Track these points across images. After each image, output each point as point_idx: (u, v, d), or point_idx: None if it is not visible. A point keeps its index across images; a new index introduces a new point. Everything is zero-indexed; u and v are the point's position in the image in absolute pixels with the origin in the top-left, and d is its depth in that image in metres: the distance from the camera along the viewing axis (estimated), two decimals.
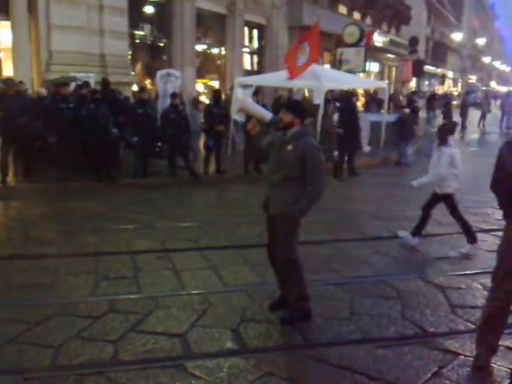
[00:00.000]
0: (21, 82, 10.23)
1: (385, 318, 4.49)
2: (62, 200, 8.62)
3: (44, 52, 12.49)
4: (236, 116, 10.96)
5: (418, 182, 6.39)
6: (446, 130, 6.29)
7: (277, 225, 4.32)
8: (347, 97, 12.70)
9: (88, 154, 9.64)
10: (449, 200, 6.24)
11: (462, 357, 3.86)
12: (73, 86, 10.54)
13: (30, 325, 4.18)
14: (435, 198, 6.35)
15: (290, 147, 4.19)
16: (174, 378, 3.51)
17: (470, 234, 6.29)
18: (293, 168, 4.17)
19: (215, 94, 11.35)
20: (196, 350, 3.91)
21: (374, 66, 31.28)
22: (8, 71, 12.56)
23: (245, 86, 12.31)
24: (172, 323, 4.28)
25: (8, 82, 9.64)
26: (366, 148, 13.63)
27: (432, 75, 48.72)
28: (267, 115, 4.71)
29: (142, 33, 15.96)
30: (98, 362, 3.70)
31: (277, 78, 12.50)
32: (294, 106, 4.51)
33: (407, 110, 14.02)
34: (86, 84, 10.17)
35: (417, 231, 6.51)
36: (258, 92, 11.63)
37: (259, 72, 18.94)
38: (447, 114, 19.30)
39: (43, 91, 10.99)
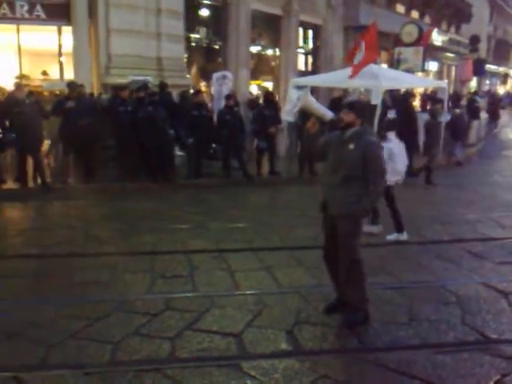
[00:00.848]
0: (81, 85, 10.57)
1: (444, 324, 4.35)
2: (120, 200, 8.85)
3: (103, 56, 12.85)
4: (286, 116, 10.90)
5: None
6: (385, 127, 6.85)
7: (337, 226, 4.23)
8: (405, 97, 12.41)
9: (145, 156, 9.86)
10: (386, 192, 6.41)
11: None
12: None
13: (90, 321, 4.29)
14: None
15: (351, 146, 4.13)
16: (230, 377, 3.51)
17: (400, 224, 6.70)
18: (354, 167, 4.11)
19: (267, 96, 11.35)
20: (251, 350, 3.90)
21: (432, 65, 30.43)
22: (69, 75, 13.02)
23: (299, 87, 12.24)
24: (227, 323, 4.29)
25: (71, 84, 9.99)
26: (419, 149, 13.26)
27: (494, 74, 46.97)
28: (328, 114, 4.63)
29: (197, 36, 16.14)
30: (155, 358, 3.75)
31: (331, 79, 12.35)
32: (356, 106, 4.42)
33: (458, 111, 13.55)
34: (145, 87, 10.38)
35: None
36: (311, 93, 11.51)
37: (314, 73, 18.78)
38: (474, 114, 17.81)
39: (104, 98, 11.31)
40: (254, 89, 18.00)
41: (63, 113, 9.30)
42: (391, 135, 6.62)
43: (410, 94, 13.17)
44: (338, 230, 4.23)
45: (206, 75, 15.65)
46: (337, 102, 12.44)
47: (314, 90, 11.87)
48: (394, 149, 6.44)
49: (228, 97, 10.61)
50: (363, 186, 4.11)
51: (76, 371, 3.55)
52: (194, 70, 16.56)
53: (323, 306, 4.55)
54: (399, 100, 12.55)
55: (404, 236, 6.70)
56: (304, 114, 8.78)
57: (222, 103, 10.93)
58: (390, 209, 6.78)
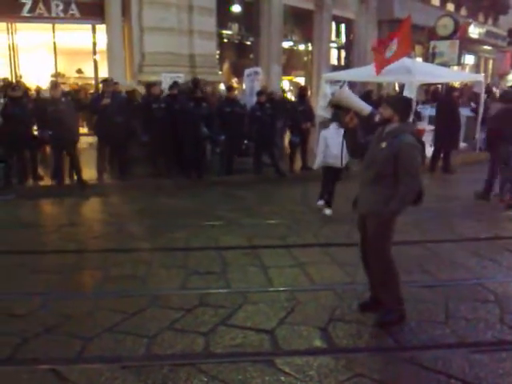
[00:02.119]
0: (116, 83, 10.71)
1: (482, 323, 4.26)
2: (154, 197, 8.95)
3: (137, 53, 13.02)
4: (322, 112, 10.82)
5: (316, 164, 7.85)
6: (332, 117, 7.71)
7: (367, 224, 4.17)
8: (447, 91, 12.16)
9: (178, 153, 9.94)
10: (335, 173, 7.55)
11: None
12: (164, 85, 10.90)
13: (127, 315, 4.35)
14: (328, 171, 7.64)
15: (383, 144, 4.02)
16: (264, 373, 3.51)
17: (330, 199, 7.71)
18: (385, 166, 3.98)
19: (300, 91, 11.28)
20: (285, 346, 3.89)
21: (469, 59, 29.76)
22: (103, 73, 13.23)
23: (332, 82, 12.15)
24: (260, 319, 4.29)
25: (107, 81, 10.14)
26: (462, 145, 13.00)
27: None
28: (366, 108, 4.47)
29: (229, 32, 16.19)
30: (190, 353, 3.78)
31: (365, 73, 12.19)
32: (395, 101, 4.27)
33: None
34: (177, 84, 10.45)
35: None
36: (350, 87, 11.29)
37: (347, 67, 18.62)
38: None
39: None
40: (285, 84, 17.95)
41: (99, 110, 9.43)
42: (334, 125, 7.44)
43: (453, 89, 12.86)
44: (367, 229, 4.17)
45: (237, 71, 15.68)
46: (368, 96, 12.29)
47: (352, 85, 11.70)
48: (328, 137, 7.44)
49: (259, 93, 10.58)
50: (393, 187, 3.97)
51: (113, 365, 3.61)
52: (225, 66, 16.60)
53: (357, 303, 4.51)
54: (441, 95, 12.31)
55: (328, 211, 7.65)
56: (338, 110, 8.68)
57: (254, 99, 10.91)
58: (331, 186, 7.71)
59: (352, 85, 11.65)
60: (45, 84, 12.23)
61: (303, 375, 3.48)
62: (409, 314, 4.29)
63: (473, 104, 13.79)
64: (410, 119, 9.97)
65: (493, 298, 4.76)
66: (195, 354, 3.77)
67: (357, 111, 4.34)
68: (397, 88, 16.52)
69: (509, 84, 26.14)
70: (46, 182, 9.51)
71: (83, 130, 11.90)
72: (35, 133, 9.43)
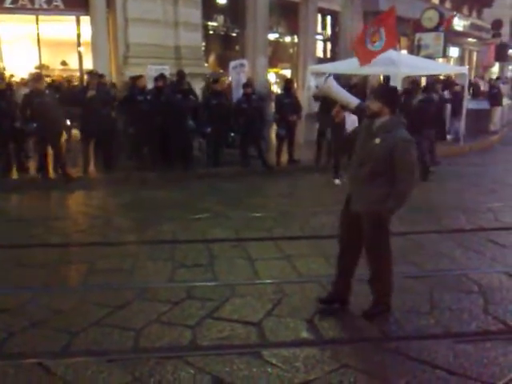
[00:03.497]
0: (102, 75, 10.61)
1: (466, 313, 4.32)
2: (140, 189, 8.91)
3: (121, 45, 12.89)
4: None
5: None
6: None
7: (362, 223, 4.04)
8: (431, 84, 12.23)
9: (164, 145, 9.89)
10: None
11: None
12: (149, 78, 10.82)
13: (113, 308, 4.34)
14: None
15: (377, 140, 3.87)
16: (251, 365, 3.53)
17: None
18: (381, 163, 3.85)
19: (286, 84, 11.27)
20: (272, 338, 3.92)
21: (453, 51, 29.94)
22: (88, 65, 13.10)
23: (318, 74, 12.16)
24: (247, 311, 4.31)
25: (92, 73, 10.05)
26: (447, 137, 13.12)
27: None
28: (353, 101, 4.38)
29: (215, 24, 16.11)
30: (177, 346, 3.79)
31: (350, 65, 12.23)
32: (383, 93, 4.07)
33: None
34: (162, 76, 10.37)
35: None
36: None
37: (333, 59, 18.62)
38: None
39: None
40: (271, 77, 17.92)
41: (84, 102, 9.34)
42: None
43: (435, 81, 12.93)
44: (364, 229, 4.04)
45: (223, 63, 15.62)
46: (354, 89, 12.31)
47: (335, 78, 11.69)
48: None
49: (245, 85, 10.56)
50: (390, 185, 3.86)
51: (99, 358, 3.60)
52: (211, 58, 16.53)
53: (318, 297, 4.48)
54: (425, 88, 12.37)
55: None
56: (325, 103, 8.70)
57: (240, 92, 10.89)
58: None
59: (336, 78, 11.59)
60: (28, 76, 12.09)
61: (290, 366, 3.51)
62: (394, 305, 4.33)
63: (446, 93, 13.79)
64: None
65: (477, 288, 4.82)
66: (182, 347, 3.77)
67: (343, 104, 4.28)
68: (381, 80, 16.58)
69: (493, 76, 26.38)
70: (31, 175, 9.42)
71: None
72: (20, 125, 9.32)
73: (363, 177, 3.97)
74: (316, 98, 11.00)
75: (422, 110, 9.74)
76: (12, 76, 12.35)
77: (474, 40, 32.84)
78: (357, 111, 4.37)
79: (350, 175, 4.18)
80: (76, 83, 13.37)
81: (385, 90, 4.26)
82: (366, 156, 3.94)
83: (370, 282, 4.26)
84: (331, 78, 5.46)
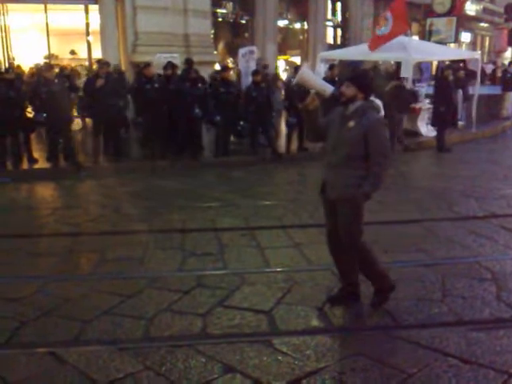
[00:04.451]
0: (108, 63, 10.58)
1: (479, 301, 4.28)
2: (149, 178, 8.91)
3: (130, 34, 12.85)
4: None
5: None
6: None
7: (338, 210, 3.96)
8: (442, 70, 12.07)
9: (173, 134, 9.86)
10: None
11: None
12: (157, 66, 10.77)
13: (124, 297, 4.35)
14: None
15: (351, 123, 3.83)
16: (261, 353, 3.52)
17: None
18: (355, 147, 3.81)
19: (296, 71, 11.15)
20: (282, 327, 3.91)
21: (465, 36, 29.53)
22: (97, 53, 13.08)
23: (329, 61, 12.03)
24: (258, 300, 4.30)
25: (101, 62, 10.02)
26: (459, 123, 12.97)
27: None
28: (328, 88, 4.27)
29: (224, 11, 16.01)
30: (187, 334, 3.79)
31: (360, 51, 12.12)
32: (358, 78, 4.01)
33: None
34: (172, 65, 10.32)
35: None
36: (333, 67, 11.07)
37: (343, 46, 18.46)
38: None
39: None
40: (281, 64, 17.80)
41: (94, 91, 9.32)
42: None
43: (447, 67, 12.71)
44: (338, 216, 3.97)
45: (232, 51, 15.54)
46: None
47: (336, 65, 11.53)
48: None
49: (255, 72, 10.47)
50: (364, 168, 3.83)
51: (110, 347, 3.62)
52: (220, 45, 16.45)
53: (326, 296, 4.36)
54: (437, 73, 12.25)
55: None
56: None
57: (249, 79, 10.81)
58: None
59: (335, 65, 11.36)
60: (38, 65, 12.10)
61: (301, 355, 3.50)
62: (406, 293, 4.31)
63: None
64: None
65: (489, 275, 4.77)
66: (193, 336, 3.78)
67: (319, 92, 4.18)
68: (393, 66, 16.40)
69: (506, 61, 26.00)
70: (41, 164, 9.45)
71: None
72: (29, 115, 9.35)
73: (337, 162, 3.93)
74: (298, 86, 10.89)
75: (394, 95, 10.27)
76: (19, 67, 12.35)
77: (487, 25, 32.39)
78: (332, 98, 4.24)
79: (325, 162, 4.09)
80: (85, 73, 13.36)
81: (360, 76, 4.22)
82: (340, 141, 3.90)
83: (362, 273, 4.17)
84: (305, 66, 5.34)
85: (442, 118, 11.02)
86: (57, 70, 10.89)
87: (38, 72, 10.43)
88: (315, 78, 4.49)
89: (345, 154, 3.86)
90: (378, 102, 4.79)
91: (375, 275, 4.13)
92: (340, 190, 3.92)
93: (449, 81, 11.24)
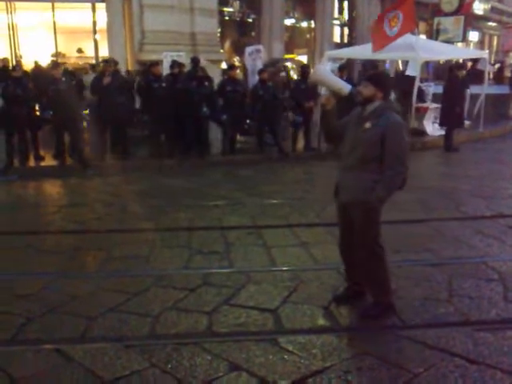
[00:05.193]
0: (116, 62, 10.61)
1: (485, 301, 4.25)
2: (156, 176, 8.93)
3: (137, 32, 12.89)
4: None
5: None
6: None
7: (351, 214, 3.87)
8: (450, 69, 12.01)
9: (180, 132, 9.87)
10: None
11: None
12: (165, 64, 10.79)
13: (130, 295, 4.35)
14: None
15: (368, 125, 3.70)
16: (267, 351, 3.51)
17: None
18: (371, 149, 3.67)
19: (303, 70, 11.15)
20: (288, 325, 3.90)
21: (473, 35, 29.39)
22: (104, 52, 13.11)
23: (335, 60, 12.01)
24: (264, 298, 4.29)
25: (108, 61, 10.05)
26: (466, 123, 12.90)
27: None
28: (345, 87, 4.13)
29: (230, 9, 16.01)
30: (193, 332, 3.79)
31: (368, 50, 12.06)
32: (376, 77, 3.87)
33: None
34: (178, 64, 10.33)
35: None
36: (343, 67, 10.92)
37: (350, 45, 18.42)
38: None
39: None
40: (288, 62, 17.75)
41: (100, 90, 9.34)
42: None
43: (456, 66, 12.63)
44: (353, 219, 3.87)
45: (239, 50, 15.53)
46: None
47: (351, 63, 11.55)
48: None
49: (261, 71, 10.47)
50: (379, 172, 3.68)
51: (116, 344, 3.62)
52: (227, 44, 16.45)
53: (332, 295, 4.33)
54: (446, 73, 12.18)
55: None
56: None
57: (256, 78, 10.80)
58: None
59: (345, 65, 11.33)
60: (45, 64, 12.15)
61: (307, 353, 3.49)
62: (413, 293, 4.30)
63: None
64: (414, 98, 9.88)
65: (496, 276, 4.74)
66: (199, 333, 3.78)
67: (335, 91, 4.08)
68: (400, 65, 16.35)
69: None
70: (48, 162, 9.48)
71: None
72: (36, 113, 9.38)
73: (352, 164, 3.82)
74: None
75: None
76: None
77: (495, 24, 32.21)
78: (350, 98, 4.09)
79: (340, 165, 3.99)
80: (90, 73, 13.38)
81: (379, 75, 4.08)
82: (356, 142, 3.77)
83: (364, 281, 4.06)
84: (323, 62, 5.19)
85: (453, 118, 10.95)
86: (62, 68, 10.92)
87: (42, 70, 10.46)
88: (331, 76, 4.38)
89: (360, 156, 3.75)
90: None
91: (379, 286, 3.97)
92: (353, 194, 3.82)
93: (460, 79, 11.18)
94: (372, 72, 4.38)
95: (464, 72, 12.22)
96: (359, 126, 3.78)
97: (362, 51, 12.71)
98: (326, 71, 4.18)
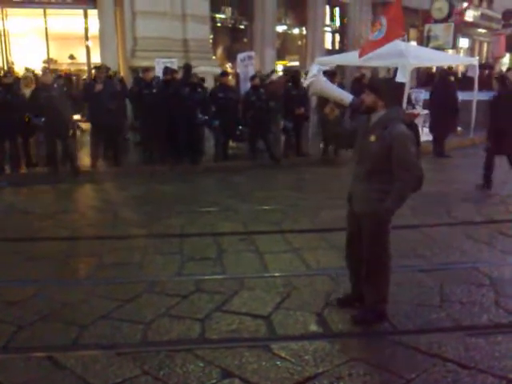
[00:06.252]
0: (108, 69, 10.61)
1: (477, 306, 4.27)
2: (148, 183, 8.91)
3: (129, 39, 12.89)
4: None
5: None
6: None
7: (361, 224, 3.87)
8: (442, 76, 12.10)
9: (172, 138, 9.87)
10: None
11: None
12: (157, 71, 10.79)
13: (122, 301, 4.34)
14: None
15: (373, 137, 3.66)
16: (260, 358, 3.51)
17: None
18: (378, 162, 3.65)
19: (294, 76, 11.18)
20: (281, 332, 3.90)
21: (463, 42, 29.67)
22: (96, 58, 13.10)
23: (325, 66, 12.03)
24: (256, 305, 4.29)
25: (99, 68, 10.04)
26: (458, 129, 13.00)
27: None
28: (347, 97, 4.13)
29: (222, 16, 16.05)
30: (186, 339, 3.78)
31: (357, 57, 12.11)
32: (376, 85, 3.85)
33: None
34: (171, 71, 10.32)
35: None
36: (334, 74, 10.93)
37: (341, 51, 18.51)
38: None
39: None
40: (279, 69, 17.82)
41: (92, 96, 9.33)
42: None
43: (447, 72, 12.73)
44: (362, 229, 3.87)
45: (231, 56, 15.57)
46: (359, 82, 12.23)
47: (341, 70, 11.60)
48: None
49: (253, 77, 10.49)
50: (389, 183, 3.63)
51: (108, 351, 3.61)
52: (219, 51, 16.48)
53: (336, 298, 4.35)
54: (435, 79, 12.26)
55: None
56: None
57: (248, 84, 10.83)
58: None
59: (342, 69, 11.37)
60: (37, 70, 12.10)
61: (299, 360, 3.49)
62: (404, 298, 4.31)
63: None
64: (404, 104, 9.86)
65: (487, 281, 4.77)
66: (191, 340, 3.77)
67: (336, 101, 4.10)
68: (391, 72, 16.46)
69: (503, 67, 26.08)
70: (40, 168, 9.44)
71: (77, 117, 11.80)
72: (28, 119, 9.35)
73: (361, 175, 3.81)
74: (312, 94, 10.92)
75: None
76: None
77: (485, 30, 32.51)
78: (351, 108, 4.14)
79: (353, 173, 3.99)
80: (84, 77, 13.39)
81: (380, 82, 4.04)
82: (363, 154, 3.77)
83: (364, 285, 4.03)
84: (320, 74, 5.22)
85: (445, 124, 11.02)
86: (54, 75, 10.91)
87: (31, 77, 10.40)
88: (332, 86, 4.38)
89: (368, 168, 3.74)
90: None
91: (378, 293, 3.97)
92: (363, 205, 3.82)
93: (452, 85, 11.26)
94: (373, 80, 4.37)
95: (452, 78, 12.34)
96: (365, 137, 3.75)
97: (353, 57, 12.75)
98: (326, 82, 4.21)
